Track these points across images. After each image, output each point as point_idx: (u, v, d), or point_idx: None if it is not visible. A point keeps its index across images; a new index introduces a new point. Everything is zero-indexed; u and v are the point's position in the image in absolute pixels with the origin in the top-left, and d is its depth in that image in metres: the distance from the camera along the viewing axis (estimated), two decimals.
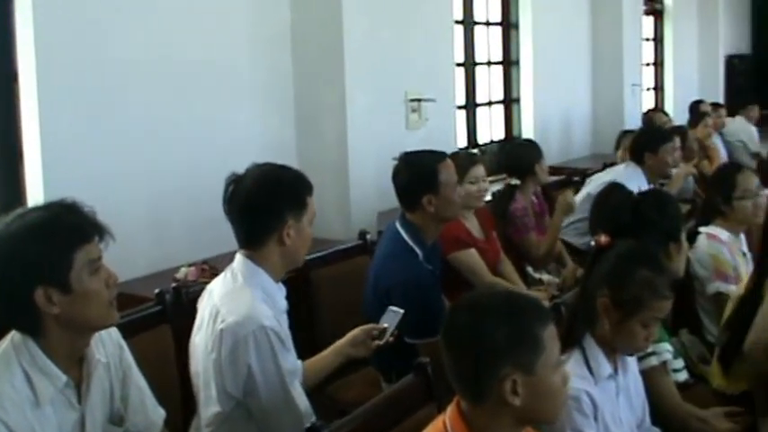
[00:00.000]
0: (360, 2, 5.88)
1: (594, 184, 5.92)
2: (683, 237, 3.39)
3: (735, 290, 3.99)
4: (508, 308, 2.13)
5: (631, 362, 2.88)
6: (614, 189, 3.69)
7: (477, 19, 8.68)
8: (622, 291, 2.70)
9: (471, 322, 2.11)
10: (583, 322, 2.71)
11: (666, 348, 3.11)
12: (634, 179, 5.75)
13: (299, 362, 3.12)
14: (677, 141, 6.84)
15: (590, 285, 2.77)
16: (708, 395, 3.76)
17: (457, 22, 8.11)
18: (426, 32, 7.29)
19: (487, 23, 8.97)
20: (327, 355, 3.30)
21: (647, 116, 9.49)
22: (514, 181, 5.26)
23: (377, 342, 3.21)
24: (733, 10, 17.56)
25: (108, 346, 2.54)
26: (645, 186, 5.76)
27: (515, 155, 5.56)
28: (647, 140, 6.13)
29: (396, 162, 3.96)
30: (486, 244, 4.72)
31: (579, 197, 5.85)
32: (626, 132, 7.53)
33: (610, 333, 2.73)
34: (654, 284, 2.74)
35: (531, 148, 5.71)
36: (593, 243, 2.79)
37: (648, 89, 13.70)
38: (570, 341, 2.65)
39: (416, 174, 3.86)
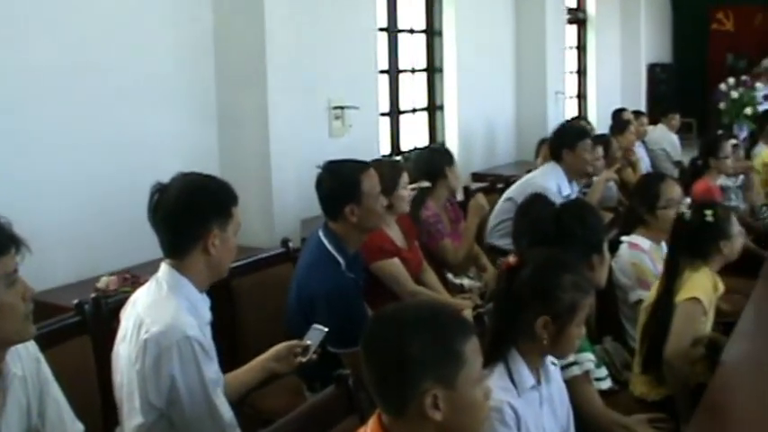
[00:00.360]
0: (283, 8, 5.84)
1: (515, 186, 5.97)
2: (606, 247, 3.42)
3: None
4: (429, 322, 2.11)
5: (554, 372, 2.88)
6: (537, 200, 3.72)
7: (401, 26, 8.69)
8: (557, 303, 2.71)
9: (391, 336, 2.09)
10: (508, 340, 2.71)
11: (589, 358, 3.13)
12: (553, 177, 5.89)
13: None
14: (600, 150, 6.97)
15: (510, 306, 2.74)
16: (631, 402, 3.84)
17: (381, 29, 8.12)
18: (350, 40, 7.29)
19: (411, 31, 8.99)
20: (249, 370, 3.27)
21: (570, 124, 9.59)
22: (425, 183, 5.25)
23: (300, 359, 3.20)
24: (655, 19, 17.89)
25: (24, 359, 2.50)
26: (565, 184, 5.91)
27: (425, 159, 5.55)
28: (565, 138, 6.16)
29: (319, 171, 3.95)
30: (409, 253, 4.71)
31: (501, 199, 5.89)
32: (545, 140, 7.61)
33: (548, 346, 2.74)
34: (580, 285, 2.77)
35: (442, 153, 5.69)
36: (502, 264, 2.78)
37: (572, 97, 13.86)
38: (494, 357, 2.65)
39: (339, 183, 3.87)
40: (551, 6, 11.06)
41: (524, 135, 10.43)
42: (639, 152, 9.28)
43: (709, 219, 4.00)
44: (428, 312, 2.16)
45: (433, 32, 9.33)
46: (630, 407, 3.68)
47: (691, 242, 3.98)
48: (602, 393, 3.52)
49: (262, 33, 5.72)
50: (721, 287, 4.04)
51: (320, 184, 3.91)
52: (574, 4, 14.07)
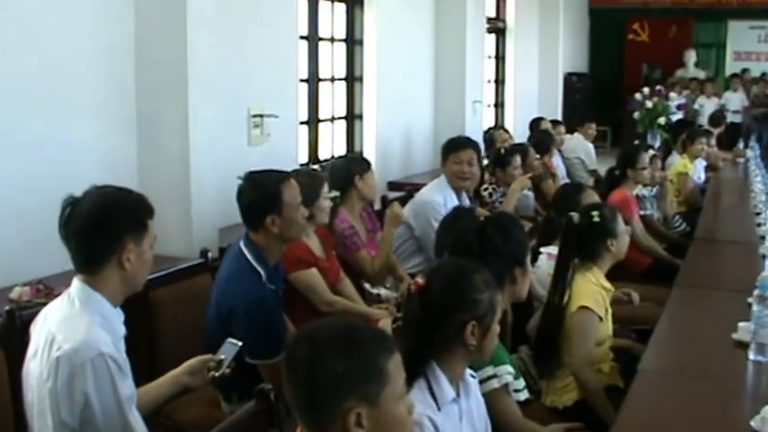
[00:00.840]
0: (204, 16, 5.79)
1: (407, 206, 5.97)
2: (528, 260, 3.46)
3: None
4: (351, 340, 2.11)
5: (473, 384, 2.89)
6: (460, 214, 3.74)
7: (321, 35, 8.69)
8: (479, 306, 2.72)
9: (313, 356, 2.08)
10: (427, 356, 2.69)
11: (508, 370, 3.14)
12: (439, 190, 5.95)
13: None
14: (518, 159, 7.06)
15: (426, 325, 2.71)
16: (543, 411, 3.88)
17: (302, 37, 8.10)
18: (271, 48, 7.25)
19: (332, 40, 8.99)
20: (162, 384, 3.21)
21: (489, 133, 9.68)
22: (333, 193, 5.24)
23: (213, 373, 3.16)
24: (573, 29, 18.19)
25: None
26: (452, 196, 5.93)
27: (335, 169, 5.54)
28: (442, 150, 6.25)
29: (240, 181, 3.93)
30: (327, 263, 4.69)
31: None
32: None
33: (476, 350, 2.75)
34: (490, 281, 2.79)
35: (354, 162, 5.65)
36: (411, 287, 2.75)
37: (490, 106, 14.01)
38: (413, 373, 2.61)
39: (260, 194, 3.84)
40: (471, 16, 11.15)
41: (442, 144, 10.47)
42: (556, 161, 9.39)
43: (596, 219, 4.13)
44: (350, 330, 2.15)
45: (353, 41, 9.34)
46: (544, 416, 3.73)
47: (580, 244, 4.09)
48: (520, 404, 3.56)
49: (183, 40, 5.65)
50: (610, 287, 4.17)
51: (241, 194, 3.88)
52: (493, 14, 14.23)
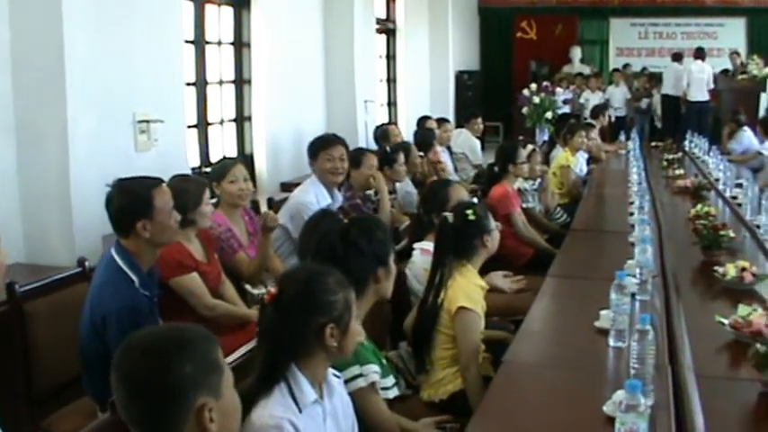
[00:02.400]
0: (82, 21, 5.75)
1: (282, 209, 6.03)
2: (392, 260, 3.53)
3: None
4: (186, 340, 2.18)
5: (337, 385, 2.93)
6: (324, 216, 3.78)
7: (208, 39, 8.69)
8: (335, 307, 2.77)
9: (156, 363, 2.12)
10: (287, 361, 2.73)
11: (374, 369, 3.19)
12: (311, 190, 6.03)
13: None
14: (402, 156, 7.18)
15: (283, 332, 2.74)
16: (420, 406, 3.98)
17: (187, 41, 8.09)
18: (155, 53, 7.20)
19: (219, 43, 9.00)
20: None
21: (382, 130, 9.78)
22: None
23: None
24: (463, 28, 18.42)
25: None
26: (324, 194, 6.04)
27: (210, 174, 5.56)
28: (310, 149, 6.31)
29: (109, 189, 3.94)
30: (209, 266, 4.72)
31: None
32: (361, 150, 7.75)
33: (338, 350, 2.79)
34: (342, 281, 2.85)
35: (221, 165, 5.62)
36: (265, 297, 2.78)
37: (382, 105, 14.13)
38: (275, 378, 2.68)
39: (131, 200, 3.84)
40: (359, 17, 11.25)
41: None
42: (444, 157, 9.54)
43: (471, 217, 4.26)
44: (179, 332, 2.24)
45: (241, 44, 9.35)
46: (421, 410, 3.83)
47: (457, 242, 4.20)
48: (395, 400, 3.66)
49: (60, 48, 5.62)
50: (484, 284, 4.31)
51: (110, 201, 3.88)
52: (383, 15, 14.33)
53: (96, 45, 5.99)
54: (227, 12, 9.16)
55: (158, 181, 4.00)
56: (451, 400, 3.96)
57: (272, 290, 2.74)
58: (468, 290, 4.10)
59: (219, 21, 9.00)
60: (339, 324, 2.77)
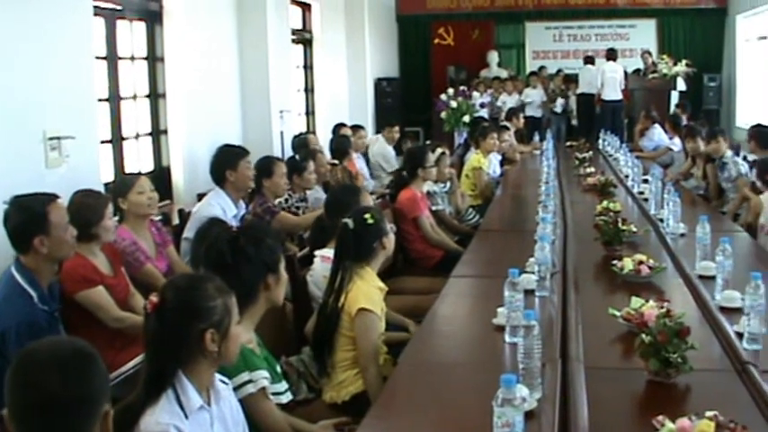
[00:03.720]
0: None
1: (188, 224, 6.06)
2: (282, 267, 3.58)
3: None
4: (85, 352, 2.26)
5: (225, 390, 2.98)
6: (214, 225, 3.81)
7: (121, 54, 8.68)
8: (213, 313, 2.81)
9: (70, 378, 2.18)
10: (173, 368, 2.77)
11: (263, 375, 3.23)
12: (216, 203, 6.07)
13: None
14: (311, 165, 7.25)
15: (167, 340, 2.77)
16: (323, 408, 4.05)
17: (99, 57, 8.06)
18: (66, 69, 7.17)
19: (132, 58, 8.99)
20: None
21: (299, 139, 9.83)
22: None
23: None
24: (381, 36, 18.55)
25: None
26: (230, 206, 6.09)
27: (110, 189, 5.57)
28: (227, 159, 6.34)
29: (5, 206, 3.96)
30: (115, 280, 4.74)
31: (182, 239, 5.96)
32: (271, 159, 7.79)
33: (218, 355, 2.83)
34: (222, 287, 2.89)
35: (122, 180, 5.67)
36: (147, 306, 2.79)
37: (300, 114, 14.17)
38: (161, 385, 2.73)
39: (27, 216, 3.87)
40: (274, 28, 11.28)
41: (252, 152, 10.56)
42: (359, 164, 9.63)
43: (371, 221, 4.34)
44: (81, 344, 2.31)
45: (155, 58, 9.34)
46: (324, 413, 3.90)
47: (356, 246, 4.28)
48: (298, 403, 3.73)
49: None
50: (383, 286, 4.39)
51: (7, 219, 3.91)
52: (299, 26, 14.38)
53: (5, 62, 5.96)
54: (140, 27, 9.12)
55: (53, 196, 4.03)
56: (353, 401, 4.03)
57: (154, 299, 2.77)
58: (367, 292, 4.17)
59: (132, 36, 8.98)
60: (219, 329, 2.82)
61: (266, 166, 6.77)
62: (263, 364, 3.30)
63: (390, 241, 4.48)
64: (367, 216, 4.37)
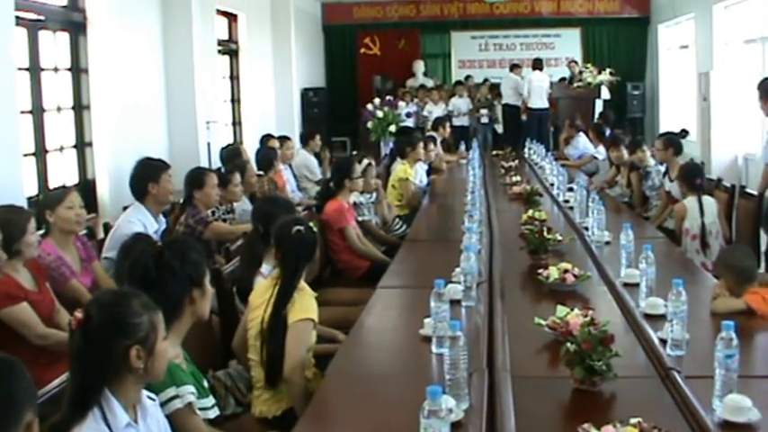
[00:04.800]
0: None
1: (107, 242, 5.98)
2: (207, 281, 3.55)
3: None
4: (14, 360, 2.27)
5: (152, 407, 2.94)
6: (137, 240, 3.74)
7: (44, 65, 8.56)
8: (139, 329, 2.77)
9: None
10: (99, 386, 2.72)
11: (189, 390, 3.18)
12: (136, 218, 5.97)
13: None
14: (238, 177, 7.22)
15: (93, 357, 2.72)
16: (253, 422, 4.03)
17: (21, 69, 7.95)
18: None
19: (56, 69, 8.87)
20: None
21: (229, 151, 9.75)
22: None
23: None
24: (307, 46, 18.60)
25: None
26: (150, 221, 6.01)
27: (35, 202, 5.50)
28: (148, 173, 6.23)
29: None
30: (39, 295, 4.66)
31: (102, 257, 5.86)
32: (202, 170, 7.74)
33: (145, 372, 2.80)
34: (148, 304, 2.85)
35: (52, 194, 5.60)
36: (72, 322, 2.73)
37: (227, 125, 14.12)
38: (87, 403, 2.68)
39: None
40: (200, 39, 11.23)
41: (178, 165, 10.42)
42: (286, 175, 9.62)
43: (315, 230, 4.36)
44: (4, 355, 2.30)
45: (79, 70, 9.23)
46: (253, 428, 3.89)
47: (298, 257, 4.24)
48: (226, 418, 3.69)
49: None
50: (311, 291, 4.33)
51: None
52: (225, 36, 14.35)
53: None
54: (63, 37, 9.02)
55: None
56: (284, 415, 4.00)
57: (79, 315, 2.73)
58: (307, 301, 4.15)
59: (55, 47, 8.87)
60: (145, 346, 2.79)
61: (198, 177, 6.74)
62: (189, 379, 3.26)
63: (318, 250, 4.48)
64: (312, 224, 4.36)
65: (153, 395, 3.00)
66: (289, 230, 4.28)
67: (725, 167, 13.56)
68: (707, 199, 6.93)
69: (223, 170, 7.49)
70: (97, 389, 2.71)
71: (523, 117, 16.86)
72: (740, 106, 13.85)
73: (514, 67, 17.37)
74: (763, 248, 6.75)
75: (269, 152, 9.43)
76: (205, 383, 3.47)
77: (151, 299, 2.92)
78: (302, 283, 4.26)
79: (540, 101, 16.24)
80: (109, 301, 2.87)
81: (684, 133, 13.37)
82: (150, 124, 10.54)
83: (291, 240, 4.26)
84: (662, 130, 18.46)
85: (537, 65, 16.65)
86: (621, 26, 20.71)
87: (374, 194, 7.86)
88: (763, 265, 6.50)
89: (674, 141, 8.49)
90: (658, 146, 8.51)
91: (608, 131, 12.12)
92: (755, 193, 7.30)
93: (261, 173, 8.68)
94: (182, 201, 6.80)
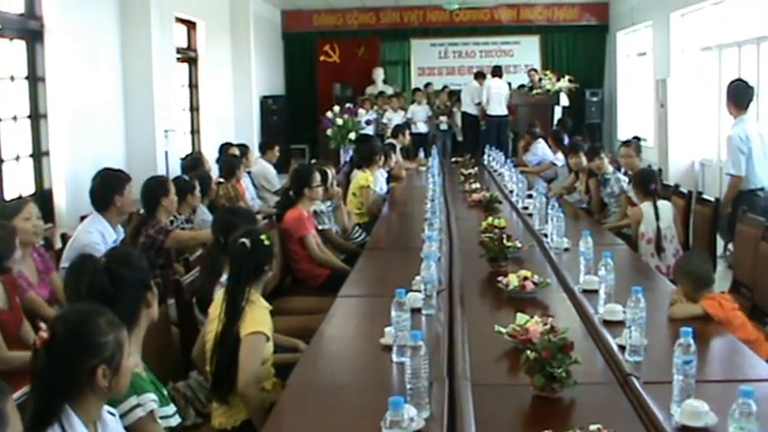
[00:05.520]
0: None
1: (65, 253, 5.91)
2: (152, 283, 3.51)
3: None
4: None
5: (112, 421, 2.92)
6: (86, 258, 3.68)
7: (0, 74, 8.50)
8: (105, 348, 2.75)
9: None
10: (60, 403, 2.69)
11: (151, 398, 3.14)
12: (95, 229, 5.90)
13: None
14: (197, 185, 7.21)
15: (56, 376, 2.69)
16: None
17: None
18: None
19: (12, 78, 8.80)
20: None
21: (191, 159, 9.70)
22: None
23: None
24: (267, 54, 18.58)
25: None
26: (109, 231, 5.93)
27: None
28: (114, 183, 6.16)
29: None
30: (10, 313, 4.59)
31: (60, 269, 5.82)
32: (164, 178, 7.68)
33: (109, 390, 2.77)
34: (114, 321, 2.83)
35: (9, 204, 5.53)
36: (37, 341, 2.72)
37: (186, 133, 14.07)
38: (48, 420, 2.65)
39: None
40: (158, 47, 11.21)
41: (136, 174, 10.39)
42: (245, 183, 9.61)
43: (267, 242, 4.32)
44: None
45: (36, 78, 9.16)
46: None
47: (255, 267, 4.24)
48: (186, 429, 3.67)
49: None
50: (267, 304, 4.33)
51: None
52: (184, 44, 14.30)
53: None
54: (20, 45, 8.97)
55: None
56: (243, 427, 4.00)
57: (44, 335, 2.71)
58: (258, 315, 4.14)
59: (12, 55, 8.80)
60: (111, 364, 2.76)
61: (163, 183, 6.72)
62: (150, 387, 3.23)
63: (273, 264, 4.47)
64: (263, 237, 4.34)
65: (113, 410, 2.97)
66: (235, 242, 4.28)
67: (682, 173, 13.69)
68: (663, 204, 7.01)
69: (187, 178, 7.42)
70: (58, 405, 2.69)
71: (482, 124, 16.94)
72: (697, 113, 14.02)
73: (478, 76, 17.45)
74: (719, 253, 6.83)
75: (232, 159, 9.42)
76: (165, 392, 3.45)
77: (114, 313, 2.89)
78: (255, 296, 4.23)
79: (498, 107, 16.33)
80: (75, 319, 2.82)
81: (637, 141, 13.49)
82: (108, 133, 10.49)
83: (236, 252, 4.26)
84: (620, 136, 18.68)
85: (496, 72, 16.76)
86: (580, 34, 20.90)
87: (334, 202, 7.85)
88: (719, 269, 6.57)
89: (640, 148, 8.58)
90: (627, 152, 8.58)
91: (566, 138, 12.18)
92: (712, 199, 7.37)
93: (222, 180, 8.67)
94: (142, 210, 6.74)
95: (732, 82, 7.81)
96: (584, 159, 9.48)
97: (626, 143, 8.96)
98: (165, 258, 6.32)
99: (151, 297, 3.43)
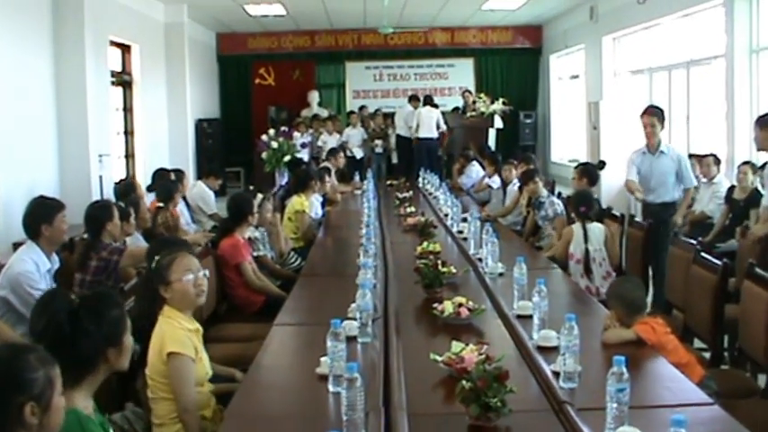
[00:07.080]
0: None
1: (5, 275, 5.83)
2: (126, 338, 3.46)
3: None
4: None
5: None
6: (54, 296, 3.60)
7: None
8: (35, 385, 2.68)
9: None
10: None
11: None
12: (28, 258, 5.81)
13: None
14: (132, 212, 7.16)
15: None
16: None
17: None
18: None
19: None
20: None
21: (125, 185, 9.61)
22: None
23: None
24: (202, 76, 18.55)
25: None
26: (43, 260, 5.85)
27: None
28: (42, 213, 6.02)
29: None
30: None
31: None
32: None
33: (39, 427, 2.67)
34: (45, 357, 2.76)
35: None
36: None
37: (120, 157, 13.96)
38: None
39: None
40: (92, 70, 11.15)
41: (70, 198, 10.26)
42: (180, 207, 9.55)
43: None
44: None
45: None
46: None
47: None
48: None
49: None
50: (198, 326, 4.33)
51: None
52: (118, 68, 14.21)
53: None
54: None
55: None
56: None
57: None
58: (177, 335, 4.10)
59: None
60: (40, 402, 2.69)
61: (108, 208, 6.70)
62: (98, 430, 3.20)
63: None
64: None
65: None
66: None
67: (614, 195, 13.86)
68: (593, 226, 7.09)
69: (123, 205, 7.37)
70: None
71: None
72: (628, 135, 14.20)
73: (413, 99, 17.63)
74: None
75: (169, 184, 9.37)
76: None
77: (63, 356, 2.86)
78: (176, 313, 4.23)
79: (428, 131, 16.39)
80: (4, 355, 2.77)
81: (602, 164, 13.58)
82: (41, 158, 10.40)
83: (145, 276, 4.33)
84: (553, 158, 18.90)
85: (428, 101, 16.88)
86: (514, 56, 21.15)
87: (269, 228, 7.83)
88: (650, 293, 6.66)
89: (589, 171, 8.68)
90: (574, 175, 8.70)
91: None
92: (645, 223, 7.48)
93: (161, 204, 8.63)
94: (84, 236, 6.67)
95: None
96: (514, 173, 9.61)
97: (576, 167, 9.09)
98: (114, 281, 6.26)
99: (113, 354, 3.32)
